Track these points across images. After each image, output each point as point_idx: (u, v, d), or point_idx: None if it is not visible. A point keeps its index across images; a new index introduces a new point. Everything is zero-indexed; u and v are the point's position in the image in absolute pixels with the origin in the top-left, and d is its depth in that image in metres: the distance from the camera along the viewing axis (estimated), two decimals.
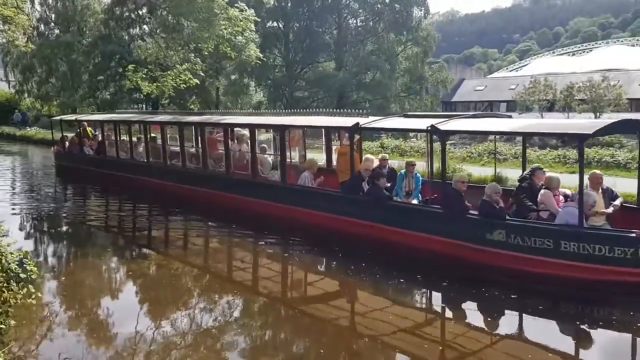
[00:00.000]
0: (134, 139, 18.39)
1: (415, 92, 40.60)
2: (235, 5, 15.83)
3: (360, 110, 13.81)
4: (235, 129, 15.07)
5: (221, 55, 27.58)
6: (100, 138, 20.48)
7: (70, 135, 22.46)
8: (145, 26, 42.92)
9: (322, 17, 42.02)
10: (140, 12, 41.36)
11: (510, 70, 66.18)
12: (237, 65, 35.15)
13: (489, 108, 53.01)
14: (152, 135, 17.67)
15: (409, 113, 14.03)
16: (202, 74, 20.87)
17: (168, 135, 17.03)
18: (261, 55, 19.06)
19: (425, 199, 11.17)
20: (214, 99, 40.53)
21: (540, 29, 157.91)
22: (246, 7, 16.45)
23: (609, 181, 11.64)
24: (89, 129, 21.29)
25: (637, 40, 66.96)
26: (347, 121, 11.57)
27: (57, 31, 44.98)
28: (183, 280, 9.60)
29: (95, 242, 12.00)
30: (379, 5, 41.17)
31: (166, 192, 15.89)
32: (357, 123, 11.05)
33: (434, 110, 39.85)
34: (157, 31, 19.32)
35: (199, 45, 16.66)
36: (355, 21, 44.89)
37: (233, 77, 41.12)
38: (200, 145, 15.65)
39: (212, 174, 14.78)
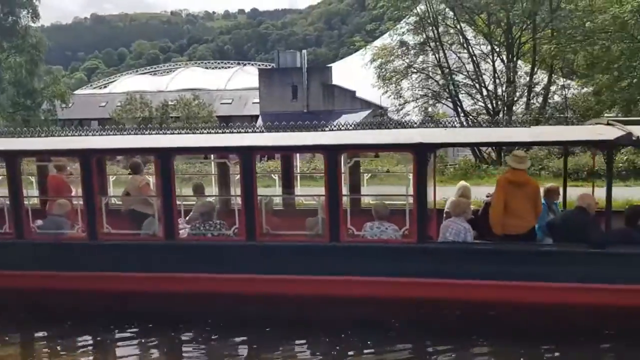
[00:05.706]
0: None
1: (27, 108, 35.38)
2: None
3: None
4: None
5: None
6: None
7: None
8: None
9: None
10: None
11: (94, 88, 65.17)
12: None
13: (79, 126, 51.03)
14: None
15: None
16: None
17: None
18: None
19: None
20: None
21: (104, 49, 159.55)
22: None
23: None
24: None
25: (211, 62, 76.28)
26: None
27: None
28: None
29: None
30: None
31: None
32: None
33: (50, 128, 34.83)
34: None
35: None
36: None
37: None
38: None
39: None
